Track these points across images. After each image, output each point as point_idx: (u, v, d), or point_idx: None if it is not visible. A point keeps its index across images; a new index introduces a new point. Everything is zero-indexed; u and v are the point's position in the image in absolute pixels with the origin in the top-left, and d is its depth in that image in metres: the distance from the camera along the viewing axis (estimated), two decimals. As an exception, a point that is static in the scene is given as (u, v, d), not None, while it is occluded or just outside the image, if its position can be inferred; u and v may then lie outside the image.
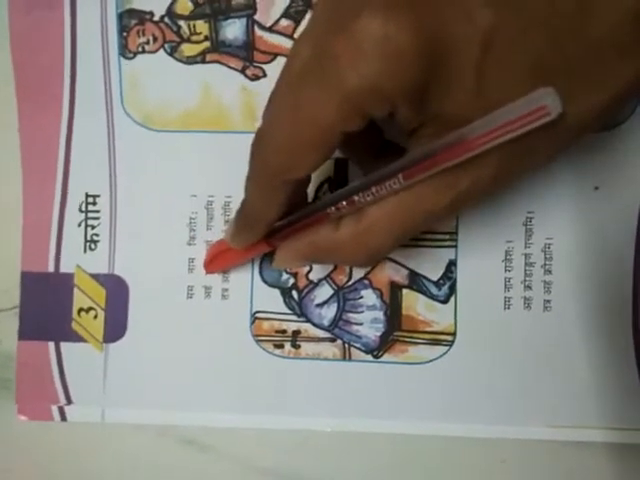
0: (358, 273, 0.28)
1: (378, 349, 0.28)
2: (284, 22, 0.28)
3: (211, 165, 0.29)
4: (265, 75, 0.28)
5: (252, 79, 0.28)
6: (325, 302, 0.28)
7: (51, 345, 0.29)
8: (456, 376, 0.28)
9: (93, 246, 0.29)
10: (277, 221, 0.23)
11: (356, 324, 0.28)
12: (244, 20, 0.28)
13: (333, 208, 0.21)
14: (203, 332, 0.29)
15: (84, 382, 0.29)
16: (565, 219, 0.27)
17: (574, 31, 0.18)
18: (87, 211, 0.29)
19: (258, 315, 0.29)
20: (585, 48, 0.18)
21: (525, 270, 0.28)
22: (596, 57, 0.18)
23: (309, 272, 0.28)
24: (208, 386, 0.28)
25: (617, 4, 0.17)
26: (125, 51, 0.29)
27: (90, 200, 0.29)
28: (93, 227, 0.29)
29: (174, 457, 0.29)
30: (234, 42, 0.28)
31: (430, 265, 0.28)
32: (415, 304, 0.28)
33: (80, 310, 0.29)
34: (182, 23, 0.29)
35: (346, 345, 0.28)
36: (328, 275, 0.28)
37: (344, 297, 0.28)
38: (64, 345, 0.29)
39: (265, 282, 0.29)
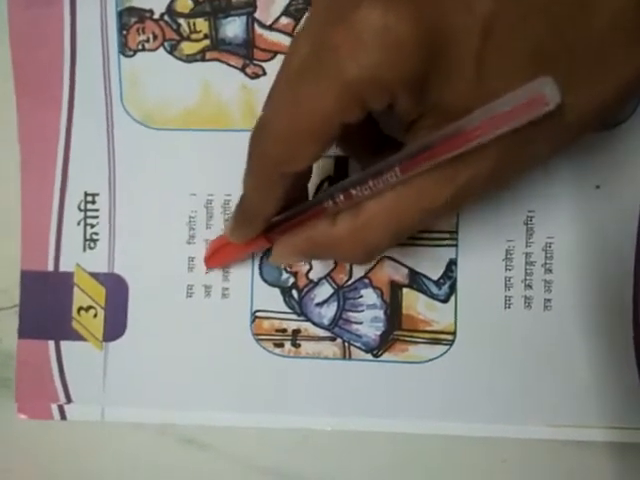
0: (358, 272, 0.28)
1: (378, 348, 0.28)
2: (284, 20, 0.28)
3: (211, 163, 0.29)
4: (265, 73, 0.28)
5: (252, 77, 0.28)
6: (325, 301, 0.28)
7: (51, 344, 0.29)
8: (456, 375, 0.28)
9: (92, 245, 0.29)
10: (275, 216, 0.23)
11: (356, 323, 0.28)
12: (244, 18, 0.28)
13: (330, 202, 0.21)
14: (203, 331, 0.29)
15: (84, 381, 0.29)
16: (566, 218, 0.27)
17: (575, 18, 0.18)
18: (86, 210, 0.29)
19: (258, 314, 0.28)
20: (586, 35, 0.18)
21: (525, 269, 0.28)
22: (598, 45, 0.18)
23: (309, 271, 0.28)
24: (208, 385, 0.28)
25: None
26: (125, 49, 0.29)
27: (89, 199, 0.29)
28: (92, 226, 0.29)
29: (174, 456, 0.29)
30: (234, 40, 0.28)
31: (430, 264, 0.28)
32: (415, 303, 0.28)
33: (80, 309, 0.29)
34: (182, 21, 0.28)
35: (346, 344, 0.28)
36: (328, 274, 0.28)
37: (344, 296, 0.28)
38: (64, 344, 0.29)
39: (265, 281, 0.28)
